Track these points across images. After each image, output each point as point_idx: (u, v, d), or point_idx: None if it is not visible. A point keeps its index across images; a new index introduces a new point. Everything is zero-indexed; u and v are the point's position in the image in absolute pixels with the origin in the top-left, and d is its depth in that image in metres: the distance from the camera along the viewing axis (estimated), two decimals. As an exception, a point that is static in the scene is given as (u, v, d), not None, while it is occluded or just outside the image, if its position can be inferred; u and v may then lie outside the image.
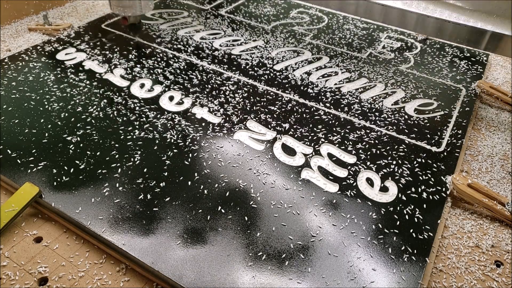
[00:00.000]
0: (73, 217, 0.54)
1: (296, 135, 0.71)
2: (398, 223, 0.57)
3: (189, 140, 0.68)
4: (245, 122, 0.73)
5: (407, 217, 0.58)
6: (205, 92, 0.80)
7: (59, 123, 0.70)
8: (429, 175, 0.65)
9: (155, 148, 0.66)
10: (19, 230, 0.55)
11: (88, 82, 0.81)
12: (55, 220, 0.56)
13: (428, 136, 0.73)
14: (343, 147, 0.69)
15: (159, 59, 0.89)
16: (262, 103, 0.78)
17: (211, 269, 0.50)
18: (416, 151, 0.69)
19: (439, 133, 0.74)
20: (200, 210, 0.57)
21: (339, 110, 0.78)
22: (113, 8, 0.93)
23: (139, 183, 0.60)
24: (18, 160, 0.62)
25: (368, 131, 0.73)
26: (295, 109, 0.77)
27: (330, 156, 0.67)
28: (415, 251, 0.53)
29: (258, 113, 0.75)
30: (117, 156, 0.64)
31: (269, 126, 0.73)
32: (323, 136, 0.71)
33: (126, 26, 0.98)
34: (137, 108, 0.75)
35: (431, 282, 0.52)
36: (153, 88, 0.80)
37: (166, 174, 0.62)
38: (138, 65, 0.85)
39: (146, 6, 0.93)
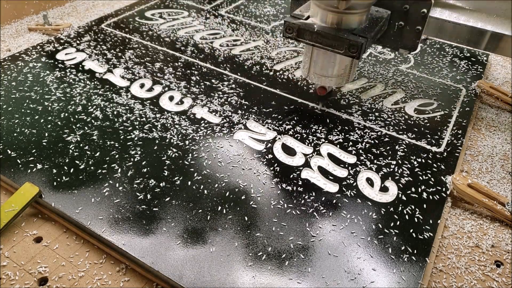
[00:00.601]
0: (73, 217, 0.54)
1: (296, 135, 0.71)
2: (398, 223, 0.57)
3: (189, 140, 0.69)
4: (245, 122, 0.73)
5: (407, 217, 0.58)
6: (205, 92, 0.80)
7: (59, 123, 0.70)
8: (429, 175, 0.65)
9: (155, 148, 0.66)
10: (19, 230, 0.55)
11: (88, 82, 0.81)
12: (55, 220, 0.56)
13: (428, 136, 0.73)
14: (343, 147, 0.69)
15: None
16: (262, 103, 0.78)
17: (211, 269, 0.50)
18: (416, 151, 0.69)
19: (439, 133, 0.74)
20: (200, 210, 0.57)
21: (339, 110, 0.78)
22: (312, 77, 0.72)
23: (139, 183, 0.60)
24: (18, 160, 0.62)
25: (368, 131, 0.73)
26: (295, 109, 0.77)
27: (330, 156, 0.67)
28: (415, 251, 0.53)
29: (258, 113, 0.75)
30: (117, 156, 0.64)
31: (269, 126, 0.73)
32: (323, 136, 0.71)
33: (321, 95, 0.77)
34: (137, 108, 0.75)
35: (431, 282, 0.52)
36: (153, 88, 0.80)
37: (166, 174, 0.62)
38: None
39: (352, 74, 0.72)
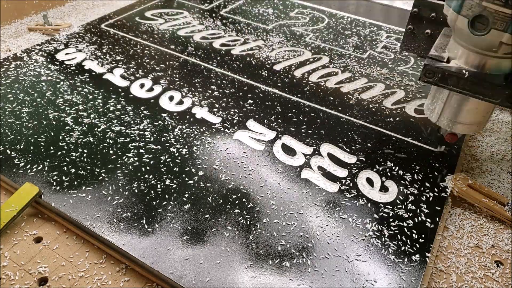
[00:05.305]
0: (73, 217, 0.54)
1: (296, 135, 0.71)
2: (398, 223, 0.57)
3: (189, 140, 0.68)
4: (245, 122, 0.73)
5: (407, 217, 0.58)
6: (205, 92, 0.80)
7: (59, 123, 0.70)
8: (429, 175, 0.65)
9: (155, 148, 0.66)
10: (19, 230, 0.55)
11: (88, 82, 0.81)
12: (55, 220, 0.56)
13: (428, 136, 0.73)
14: (343, 147, 0.69)
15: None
16: (262, 103, 0.78)
17: (211, 269, 0.50)
18: (416, 151, 0.69)
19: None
20: (200, 210, 0.57)
21: (339, 110, 0.78)
22: (444, 123, 0.61)
23: (139, 183, 0.60)
24: (18, 160, 0.62)
25: (368, 131, 0.73)
26: (295, 109, 0.77)
27: (330, 156, 0.67)
28: (415, 251, 0.53)
29: (258, 113, 0.76)
30: (117, 156, 0.64)
31: (269, 126, 0.73)
32: (323, 136, 0.71)
33: (450, 142, 0.66)
34: (137, 108, 0.75)
35: (431, 282, 0.52)
36: (153, 88, 0.80)
37: (166, 174, 0.62)
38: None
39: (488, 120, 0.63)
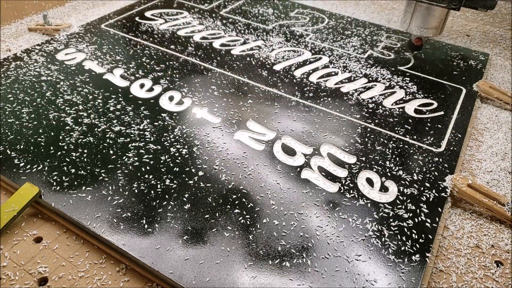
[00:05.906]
0: (73, 217, 0.54)
1: (296, 135, 0.71)
2: (398, 223, 0.57)
3: (189, 140, 0.69)
4: (245, 122, 0.73)
5: (407, 217, 0.58)
6: (205, 92, 0.80)
7: (59, 123, 0.70)
8: (429, 175, 0.65)
9: (155, 148, 0.66)
10: (19, 230, 0.55)
11: (88, 82, 0.81)
12: (55, 220, 0.56)
13: (428, 136, 0.73)
14: (343, 147, 0.69)
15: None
16: (262, 103, 0.78)
17: (211, 269, 0.50)
18: (416, 151, 0.69)
19: (439, 133, 0.74)
20: (200, 210, 0.57)
21: (339, 110, 0.78)
22: (412, 29, 0.90)
23: (139, 183, 0.60)
24: (18, 160, 0.63)
25: (368, 131, 0.73)
26: (295, 109, 0.77)
27: (330, 156, 0.67)
28: (415, 251, 0.53)
29: (258, 113, 0.76)
30: (117, 156, 0.64)
31: (269, 126, 0.73)
32: (323, 136, 0.71)
33: (417, 46, 0.95)
34: (137, 108, 0.75)
35: (431, 282, 0.52)
36: (153, 88, 0.80)
37: (166, 174, 0.62)
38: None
39: (443, 27, 0.90)
